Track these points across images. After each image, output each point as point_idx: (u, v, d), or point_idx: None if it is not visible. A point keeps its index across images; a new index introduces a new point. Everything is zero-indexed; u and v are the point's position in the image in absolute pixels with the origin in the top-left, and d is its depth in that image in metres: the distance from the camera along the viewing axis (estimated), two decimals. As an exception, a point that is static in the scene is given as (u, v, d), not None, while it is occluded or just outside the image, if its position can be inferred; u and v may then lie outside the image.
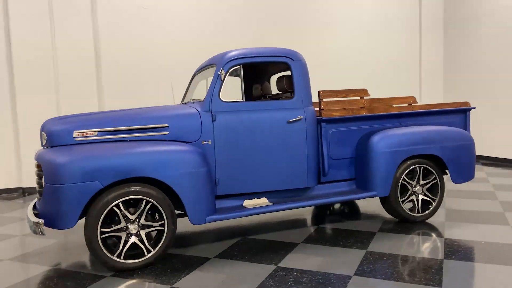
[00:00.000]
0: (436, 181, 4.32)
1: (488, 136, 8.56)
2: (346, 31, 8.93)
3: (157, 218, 3.38)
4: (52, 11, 6.73)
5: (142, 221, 3.31)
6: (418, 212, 4.28)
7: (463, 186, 6.02)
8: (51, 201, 3.12)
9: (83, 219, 3.38)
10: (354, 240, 3.80)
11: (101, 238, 3.18)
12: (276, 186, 3.87)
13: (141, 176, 3.23)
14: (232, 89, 5.78)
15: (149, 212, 3.41)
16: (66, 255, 3.74)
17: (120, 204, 3.21)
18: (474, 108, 4.77)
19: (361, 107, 4.30)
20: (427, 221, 4.35)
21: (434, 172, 4.29)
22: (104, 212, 3.16)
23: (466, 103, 4.67)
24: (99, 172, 3.12)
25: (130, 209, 3.32)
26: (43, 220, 3.13)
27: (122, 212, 3.25)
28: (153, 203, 3.30)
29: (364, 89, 4.34)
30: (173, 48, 7.58)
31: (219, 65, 3.79)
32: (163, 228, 3.35)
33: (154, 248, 3.34)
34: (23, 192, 6.82)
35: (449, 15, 9.47)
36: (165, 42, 7.54)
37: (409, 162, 4.18)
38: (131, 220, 3.28)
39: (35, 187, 6.69)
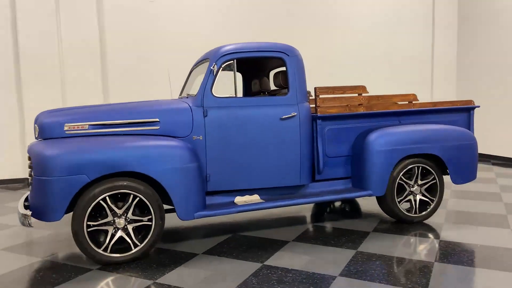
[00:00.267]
0: (435, 181, 4.21)
1: (502, 135, 8.33)
2: (357, 27, 8.78)
3: (146, 212, 3.38)
4: (58, 3, 6.78)
5: (130, 215, 3.31)
6: (415, 213, 4.18)
7: (468, 187, 5.87)
8: (39, 193, 3.15)
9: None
10: (346, 240, 3.74)
11: (87, 232, 3.19)
12: (268, 183, 3.83)
13: (128, 170, 3.23)
14: (231, 85, 5.75)
15: (138, 206, 3.40)
16: (57, 247, 3.77)
17: (107, 198, 3.22)
18: (478, 106, 4.63)
19: (358, 104, 4.21)
20: (425, 222, 4.25)
21: (433, 172, 4.18)
22: (90, 205, 3.17)
23: (470, 101, 4.53)
24: (86, 165, 3.13)
25: (119, 203, 3.32)
26: (30, 212, 3.16)
27: (109, 206, 3.25)
28: (140, 198, 3.29)
29: (362, 86, 4.25)
30: (179, 42, 7.57)
31: (212, 59, 3.75)
32: (150, 223, 3.35)
33: (141, 243, 3.33)
34: (29, 183, 6.92)
35: (464, 11, 9.22)
36: (171, 36, 7.53)
37: (407, 161, 4.08)
38: (118, 214, 3.28)
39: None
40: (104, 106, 3.67)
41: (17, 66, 6.75)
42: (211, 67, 3.69)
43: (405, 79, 9.10)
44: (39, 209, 3.16)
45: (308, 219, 4.49)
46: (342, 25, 8.67)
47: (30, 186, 3.48)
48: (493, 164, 8.09)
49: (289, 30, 8.26)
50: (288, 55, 3.89)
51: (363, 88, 4.25)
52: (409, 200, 4.18)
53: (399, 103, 4.39)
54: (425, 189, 4.24)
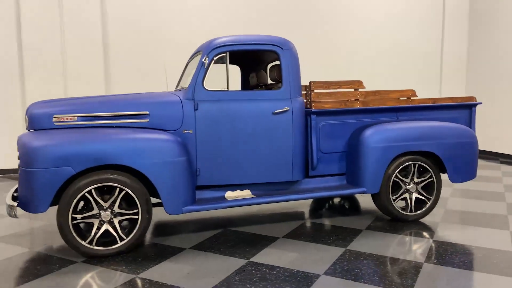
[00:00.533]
0: (432, 179, 4.10)
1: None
2: (364, 21, 8.63)
3: (133, 206, 3.35)
4: (61, -5, 6.78)
5: (116, 209, 3.28)
6: (411, 211, 4.08)
7: (470, 185, 5.73)
8: (25, 185, 3.14)
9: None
10: (337, 237, 3.67)
11: (72, 224, 3.18)
12: (260, 179, 3.77)
13: (115, 163, 3.20)
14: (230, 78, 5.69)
15: (125, 200, 3.38)
16: (48, 238, 3.78)
17: (93, 191, 3.19)
18: (480, 103, 4.49)
19: (355, 100, 4.11)
20: (421, 221, 4.15)
21: (430, 170, 4.07)
22: (76, 198, 3.15)
23: (472, 98, 4.40)
24: (72, 158, 3.11)
25: (106, 196, 3.30)
26: (16, 203, 3.15)
27: (95, 199, 3.22)
28: (127, 191, 3.26)
29: (359, 80, 4.15)
30: (182, 36, 7.52)
31: (204, 52, 3.69)
32: (137, 217, 3.32)
33: (127, 237, 3.31)
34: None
35: (475, 5, 8.98)
36: (174, 30, 7.49)
37: (402, 158, 3.98)
38: (104, 208, 3.26)
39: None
40: (94, 98, 3.64)
41: (20, 59, 6.78)
42: (203, 60, 3.63)
43: (413, 75, 8.93)
44: (25, 201, 3.15)
45: (303, 215, 4.43)
46: (350, 20, 8.53)
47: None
48: (501, 162, 7.90)
49: (295, 25, 8.15)
50: (282, 48, 3.81)
51: (359, 83, 4.15)
52: (405, 198, 4.09)
53: (401, 98, 4.26)
54: (422, 187, 4.14)
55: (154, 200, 4.19)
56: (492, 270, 2.94)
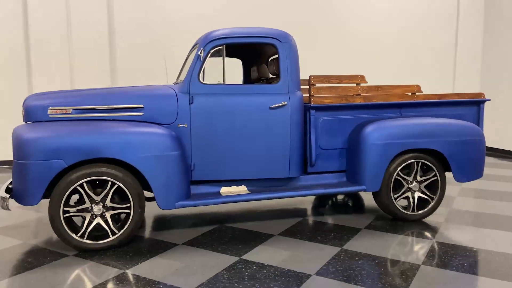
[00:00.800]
0: (436, 178, 3.97)
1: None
2: (372, 13, 8.43)
3: (126, 200, 3.31)
4: (68, -12, 6.79)
5: (108, 202, 3.25)
6: (413, 211, 3.96)
7: (479, 184, 5.55)
8: (17, 177, 3.13)
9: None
10: (334, 236, 3.58)
11: (65, 217, 3.16)
12: (256, 175, 3.70)
13: (107, 157, 3.16)
14: (231, 72, 5.62)
15: (118, 194, 3.34)
16: (43, 230, 3.78)
17: (85, 184, 3.16)
18: (489, 100, 4.32)
19: (356, 95, 4.00)
20: (424, 220, 4.02)
21: (434, 168, 3.94)
22: (67, 191, 3.13)
23: (480, 94, 4.24)
24: (63, 150, 3.08)
25: (98, 190, 3.27)
26: (8, 196, 3.15)
27: (87, 193, 3.20)
28: (119, 185, 3.22)
29: (360, 75, 4.03)
30: (189, 27, 7.46)
31: (200, 45, 3.62)
32: (129, 211, 3.28)
33: (119, 231, 3.28)
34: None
35: (491, -2, 8.70)
36: (180, 21, 7.43)
37: (405, 156, 3.86)
38: (96, 201, 3.23)
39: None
40: (89, 90, 3.61)
41: (27, 52, 6.81)
42: (199, 53, 3.57)
43: (424, 70, 8.70)
44: (18, 193, 3.14)
45: (303, 212, 4.34)
46: (357, 12, 8.34)
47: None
48: (515, 161, 7.67)
49: (301, 18, 8.02)
50: (280, 41, 3.71)
51: (361, 78, 4.03)
52: (407, 197, 3.97)
53: (408, 93, 4.11)
54: (425, 186, 4.01)
55: (149, 194, 4.15)
56: (492, 274, 2.82)
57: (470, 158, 3.96)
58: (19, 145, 3.09)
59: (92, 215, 3.23)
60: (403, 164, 3.86)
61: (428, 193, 3.99)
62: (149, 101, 3.51)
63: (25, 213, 4.30)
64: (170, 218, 4.13)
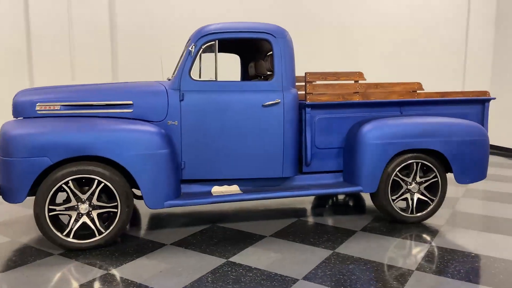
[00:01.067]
0: (436, 179, 3.82)
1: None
2: (380, 9, 8.24)
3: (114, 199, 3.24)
4: (70, -17, 6.74)
5: (94, 201, 3.18)
6: (412, 213, 3.82)
7: (486, 186, 5.37)
8: (3, 174, 3.08)
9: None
10: (327, 238, 3.46)
11: (50, 216, 3.10)
12: (248, 174, 3.60)
13: (93, 154, 3.09)
14: (227, 68, 5.52)
15: (106, 193, 3.27)
16: (34, 228, 3.73)
17: (70, 182, 3.10)
18: (494, 98, 4.15)
19: (354, 93, 3.87)
20: (424, 223, 3.88)
21: (434, 169, 3.79)
22: (52, 189, 3.07)
23: (485, 92, 4.08)
24: (49, 148, 3.02)
25: (85, 188, 3.21)
26: (-5, 193, 3.10)
27: (73, 191, 3.13)
28: (106, 184, 3.15)
29: (359, 72, 3.90)
30: (191, 25, 7.37)
31: (192, 40, 3.53)
32: (116, 210, 3.21)
33: (106, 230, 3.21)
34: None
35: (504, -7, 8.42)
36: (182, 19, 7.35)
37: (404, 156, 3.72)
38: (82, 200, 3.16)
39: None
40: (79, 86, 3.55)
41: (28, 49, 6.79)
42: (190, 48, 3.47)
43: (433, 68, 8.48)
44: (4, 190, 3.10)
45: (299, 212, 4.23)
46: (369, 9, 8.16)
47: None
48: (526, 162, 7.44)
49: (307, 15, 7.87)
50: (274, 37, 3.60)
51: (359, 75, 3.90)
52: (406, 199, 3.83)
53: (413, 91, 3.96)
54: (425, 188, 3.86)
55: (139, 192, 4.08)
56: (488, 282, 2.68)
57: (472, 159, 3.81)
58: (4, 141, 3.04)
59: (78, 213, 3.17)
60: (402, 165, 3.72)
61: (428, 195, 3.84)
62: (138, 97, 3.43)
63: (17, 210, 4.27)
64: (163, 217, 4.06)
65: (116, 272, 2.80)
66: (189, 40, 3.98)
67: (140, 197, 3.61)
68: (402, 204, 3.96)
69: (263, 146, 3.56)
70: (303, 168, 3.83)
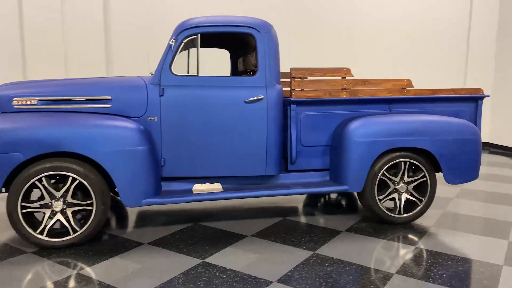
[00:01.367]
0: (425, 179, 3.70)
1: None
2: (379, 5, 8.09)
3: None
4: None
5: (69, 198, 3.11)
6: (399, 213, 3.71)
7: (481, 186, 5.23)
8: (-24, 170, 3.01)
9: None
10: (310, 239, 3.36)
11: (23, 213, 3.03)
12: (230, 172, 3.51)
13: (67, 151, 3.02)
14: (219, 63, 5.43)
15: (82, 190, 3.19)
16: (8, 225, 3.66)
17: (44, 179, 3.03)
18: (488, 96, 4.02)
19: (342, 89, 3.75)
20: (412, 224, 3.77)
21: (423, 168, 3.68)
22: (25, 186, 3.00)
23: (478, 90, 3.94)
24: (21, 143, 2.95)
25: (60, 185, 3.13)
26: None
27: (46, 188, 3.06)
28: (81, 181, 3.08)
29: (346, 68, 3.78)
30: (186, 17, 7.27)
31: (173, 34, 3.44)
32: (91, 208, 3.14)
33: (81, 228, 3.14)
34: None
35: (507, -11, 8.23)
36: (177, 12, 7.25)
37: (392, 155, 3.61)
38: (56, 197, 3.09)
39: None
40: (57, 81, 3.47)
41: (22, 44, 6.74)
42: (170, 42, 3.38)
43: (434, 63, 8.32)
44: (-23, 186, 3.03)
45: (286, 211, 4.13)
46: (370, 7, 8.01)
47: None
48: (526, 161, 7.27)
49: (305, 10, 7.74)
50: (258, 31, 3.49)
51: (347, 71, 3.79)
52: (393, 199, 3.72)
53: (402, 88, 3.84)
54: (414, 188, 3.75)
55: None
56: (471, 287, 2.57)
57: (463, 159, 3.69)
58: (-24, 137, 2.96)
59: (52, 211, 3.10)
60: (390, 164, 3.61)
61: (417, 195, 3.73)
62: (117, 92, 3.35)
63: None
64: (145, 215, 3.98)
65: (86, 272, 2.73)
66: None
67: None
68: (391, 204, 3.85)
69: (246, 143, 3.47)
70: (289, 166, 3.73)
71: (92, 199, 3.12)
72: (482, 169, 6.27)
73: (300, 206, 4.34)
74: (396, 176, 3.68)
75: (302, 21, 7.77)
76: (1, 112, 3.30)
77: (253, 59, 3.88)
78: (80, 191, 3.19)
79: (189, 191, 3.46)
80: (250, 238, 3.37)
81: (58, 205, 3.09)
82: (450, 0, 8.28)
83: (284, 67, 4.19)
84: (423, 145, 3.58)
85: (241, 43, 4.51)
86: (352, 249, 3.15)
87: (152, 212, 4.06)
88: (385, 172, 3.63)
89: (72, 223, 3.12)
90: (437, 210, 4.17)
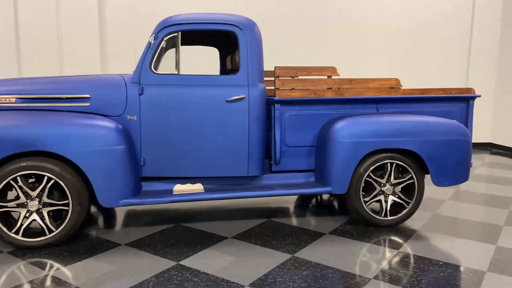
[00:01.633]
0: (412, 181, 3.61)
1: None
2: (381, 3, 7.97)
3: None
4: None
5: (44, 198, 3.07)
6: (385, 216, 3.62)
7: (476, 187, 5.11)
8: (-49, 169, 2.98)
9: None
10: (291, 241, 3.29)
11: (-2, 212, 3.00)
12: (211, 173, 3.44)
13: (43, 150, 2.98)
14: (213, 61, 5.36)
15: (58, 190, 3.15)
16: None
17: (19, 178, 2.99)
18: (479, 96, 3.91)
19: (327, 88, 3.67)
20: (399, 226, 3.68)
21: (410, 170, 3.59)
22: (0, 185, 2.96)
23: (470, 89, 3.84)
24: (-4, 142, 2.91)
25: (36, 184, 3.09)
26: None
27: (21, 187, 3.02)
28: (56, 180, 3.04)
29: (332, 67, 3.70)
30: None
31: (153, 31, 3.38)
32: (67, 208, 3.09)
33: (57, 229, 3.10)
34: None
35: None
36: (172, 10, 7.20)
37: (377, 156, 3.52)
38: (32, 197, 3.05)
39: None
40: (37, 78, 3.43)
41: (17, 44, 6.73)
42: (150, 40, 3.32)
43: (435, 62, 8.18)
44: (-48, 186, 3.00)
45: (272, 212, 4.06)
46: (371, 4, 7.89)
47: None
48: (527, 162, 7.11)
49: (303, 7, 7.65)
50: (240, 29, 3.42)
51: (332, 70, 3.70)
52: (379, 201, 3.64)
53: (390, 88, 3.74)
54: (401, 190, 3.66)
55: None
56: (449, 295, 2.49)
57: (451, 160, 3.59)
58: (-50, 136, 2.93)
59: (27, 211, 3.06)
60: (376, 165, 3.52)
61: (404, 197, 3.64)
62: (96, 91, 3.30)
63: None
64: (127, 216, 3.93)
65: (57, 274, 2.69)
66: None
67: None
68: (377, 206, 3.77)
69: (227, 143, 3.40)
70: (273, 167, 3.66)
71: (68, 199, 3.08)
72: (481, 170, 6.16)
73: (290, 207, 4.27)
74: (382, 177, 3.60)
75: (302, 21, 7.68)
76: (-19, 111, 3.27)
77: (237, 57, 3.81)
78: (57, 191, 3.14)
79: (170, 192, 3.41)
80: (230, 240, 3.31)
81: (34, 205, 3.05)
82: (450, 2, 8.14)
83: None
84: (409, 146, 3.49)
85: (228, 41, 4.45)
86: (332, 253, 3.08)
87: (137, 212, 4.02)
88: (370, 173, 3.54)
89: (48, 223, 3.08)
90: (427, 213, 4.08)
